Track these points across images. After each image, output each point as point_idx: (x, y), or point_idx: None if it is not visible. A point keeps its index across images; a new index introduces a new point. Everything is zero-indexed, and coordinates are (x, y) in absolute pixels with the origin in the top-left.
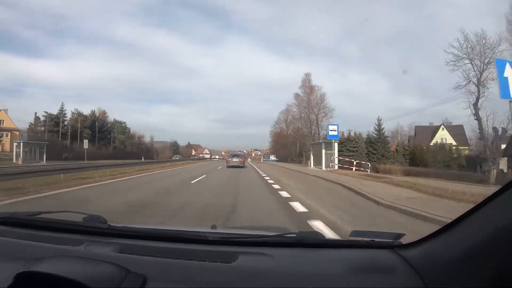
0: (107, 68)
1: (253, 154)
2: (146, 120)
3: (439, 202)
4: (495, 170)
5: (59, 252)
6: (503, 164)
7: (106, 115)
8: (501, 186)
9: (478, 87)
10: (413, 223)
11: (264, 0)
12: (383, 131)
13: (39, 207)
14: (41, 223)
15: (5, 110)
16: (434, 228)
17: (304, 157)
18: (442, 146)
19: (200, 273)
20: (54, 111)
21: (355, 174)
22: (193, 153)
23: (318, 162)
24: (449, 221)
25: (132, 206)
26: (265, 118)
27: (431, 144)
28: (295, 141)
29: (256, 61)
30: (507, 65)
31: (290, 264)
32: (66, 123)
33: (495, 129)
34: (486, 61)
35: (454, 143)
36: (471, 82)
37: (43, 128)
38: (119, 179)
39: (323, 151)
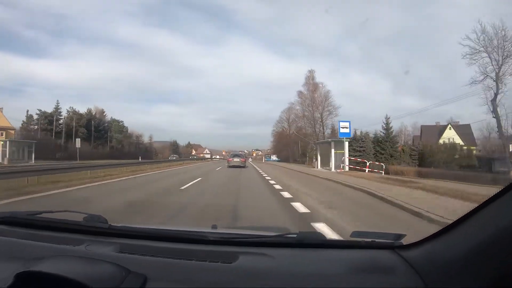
0: (107, 68)
1: (254, 154)
2: (146, 120)
3: None
4: None
5: (60, 251)
6: None
7: (104, 114)
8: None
9: (496, 82)
10: None
11: (265, 0)
12: (391, 130)
13: None
14: (41, 223)
15: (0, 109)
16: None
17: (307, 157)
18: (452, 146)
19: (201, 273)
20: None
21: (372, 176)
22: (193, 153)
23: (325, 163)
24: None
25: None
26: (265, 118)
27: (439, 143)
28: (297, 141)
29: (256, 61)
30: None
31: (291, 264)
32: (61, 121)
33: None
34: (505, 54)
35: (461, 142)
36: (488, 77)
37: (36, 126)
38: (92, 184)
39: (332, 150)
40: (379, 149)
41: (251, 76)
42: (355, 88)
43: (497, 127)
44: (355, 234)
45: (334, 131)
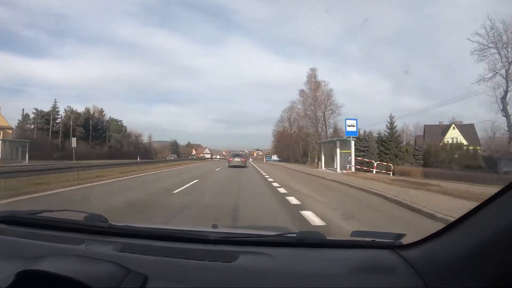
0: (108, 68)
1: (254, 154)
2: (146, 120)
3: None
4: None
5: (60, 250)
6: None
7: (103, 113)
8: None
9: (506, 80)
10: None
11: (265, 0)
12: (396, 129)
13: None
14: (42, 222)
15: None
16: None
17: (309, 157)
18: (458, 146)
19: (201, 272)
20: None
21: (382, 178)
22: (193, 153)
23: (329, 163)
24: None
25: None
26: (265, 118)
27: (443, 143)
28: (298, 141)
29: (256, 61)
30: None
31: (291, 264)
32: (58, 121)
33: None
34: None
35: (465, 142)
36: (497, 74)
37: (33, 126)
38: (71, 188)
39: (338, 150)
40: (383, 149)
41: (251, 76)
42: (355, 88)
43: (507, 126)
44: (355, 233)
45: (336, 131)
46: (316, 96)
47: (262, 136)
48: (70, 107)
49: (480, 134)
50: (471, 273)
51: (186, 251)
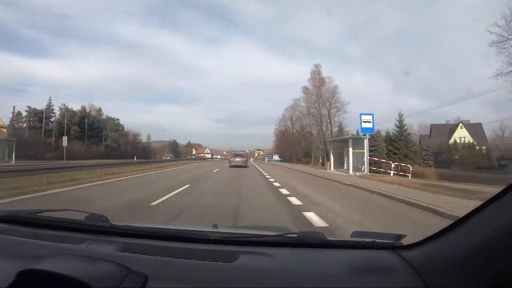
0: (108, 68)
1: (255, 154)
2: (147, 120)
3: None
4: None
5: (61, 250)
6: None
7: (101, 112)
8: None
9: None
10: None
11: (265, 0)
12: (405, 127)
13: None
14: (43, 221)
15: None
16: None
17: (313, 157)
18: (470, 146)
19: (201, 272)
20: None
21: (405, 181)
22: (193, 153)
23: (338, 164)
24: None
25: None
26: (266, 118)
27: (452, 142)
28: (300, 140)
29: (257, 61)
30: None
31: (291, 264)
32: (53, 119)
33: None
34: None
35: (473, 142)
36: None
37: (25, 124)
38: (39, 194)
39: (350, 149)
40: (392, 148)
41: (252, 76)
42: (355, 88)
43: None
44: (355, 234)
45: (341, 129)
46: (320, 93)
47: (263, 136)
48: (65, 105)
49: (487, 134)
50: (471, 273)
51: (186, 251)
